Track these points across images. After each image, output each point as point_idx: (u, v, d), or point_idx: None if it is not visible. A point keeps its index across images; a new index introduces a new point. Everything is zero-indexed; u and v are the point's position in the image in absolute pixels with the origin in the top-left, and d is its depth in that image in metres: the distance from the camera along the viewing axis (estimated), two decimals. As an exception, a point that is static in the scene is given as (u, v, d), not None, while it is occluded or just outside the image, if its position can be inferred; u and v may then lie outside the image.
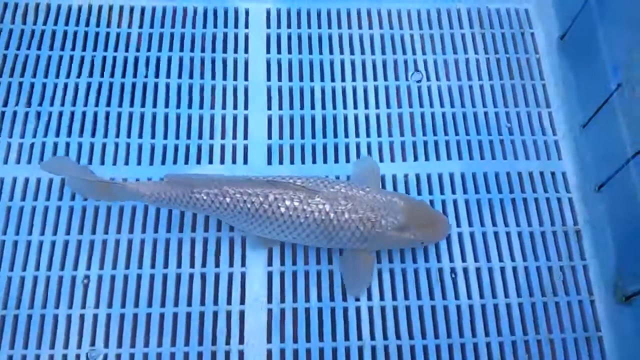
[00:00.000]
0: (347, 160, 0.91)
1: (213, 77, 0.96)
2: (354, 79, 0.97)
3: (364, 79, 0.97)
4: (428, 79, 0.98)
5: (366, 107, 0.95)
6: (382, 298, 0.83)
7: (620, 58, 0.85)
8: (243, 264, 0.84)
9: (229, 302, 0.82)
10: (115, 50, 0.97)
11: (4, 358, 0.78)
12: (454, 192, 0.90)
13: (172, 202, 0.78)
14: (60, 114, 0.92)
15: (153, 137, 0.91)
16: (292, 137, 0.92)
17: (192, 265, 0.83)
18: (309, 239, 0.79)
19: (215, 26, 1.00)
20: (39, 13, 0.99)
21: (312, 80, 0.96)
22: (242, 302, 0.82)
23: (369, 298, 0.82)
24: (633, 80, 0.83)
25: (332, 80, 0.97)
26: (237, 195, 0.77)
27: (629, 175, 0.82)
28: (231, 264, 0.84)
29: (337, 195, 0.78)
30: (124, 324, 0.80)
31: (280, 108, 0.94)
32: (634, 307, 0.82)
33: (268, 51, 0.98)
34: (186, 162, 0.90)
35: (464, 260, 0.86)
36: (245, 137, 0.92)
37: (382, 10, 1.03)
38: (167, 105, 0.93)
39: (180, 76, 0.95)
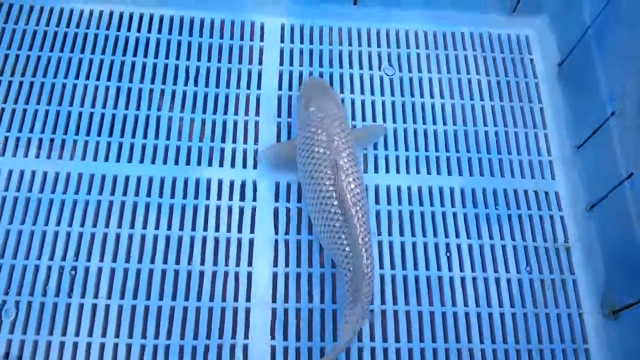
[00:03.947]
0: (354, 170, 0.95)
1: (228, 86, 1.00)
2: (362, 93, 1.02)
3: (372, 94, 1.02)
4: (432, 97, 1.03)
5: (373, 119, 0.99)
6: (382, 302, 0.87)
7: (615, 86, 0.90)
8: (250, 264, 0.88)
9: (235, 300, 0.85)
10: (134, 55, 1.01)
11: (16, 344, 0.80)
12: (453, 205, 0.94)
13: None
14: (91, 114, 0.96)
15: (168, 138, 0.95)
16: (301, 144, 0.97)
17: (202, 263, 0.87)
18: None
19: (232, 38, 1.04)
20: (62, 18, 1.03)
21: (321, 92, 1.01)
22: (248, 299, 0.85)
23: (371, 302, 0.86)
24: (626, 109, 0.88)
25: (342, 92, 1.01)
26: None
27: (620, 196, 0.87)
28: (238, 264, 0.87)
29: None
30: (135, 315, 0.83)
31: (290, 116, 0.99)
32: (620, 321, 0.86)
33: (281, 63, 1.03)
34: (199, 164, 0.93)
35: (461, 269, 0.90)
36: (256, 142, 0.96)
37: (390, 30, 1.08)
38: (182, 110, 0.97)
39: (196, 84, 1.00)
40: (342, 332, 0.78)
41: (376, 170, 0.96)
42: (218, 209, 0.91)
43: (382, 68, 1.04)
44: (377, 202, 0.93)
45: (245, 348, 0.82)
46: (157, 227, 0.88)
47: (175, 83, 0.99)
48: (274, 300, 0.86)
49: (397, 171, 0.96)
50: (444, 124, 1.01)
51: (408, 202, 0.94)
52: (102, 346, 0.81)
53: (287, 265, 0.88)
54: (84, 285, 0.84)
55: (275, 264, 0.88)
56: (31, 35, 1.01)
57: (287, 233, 0.90)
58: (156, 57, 1.01)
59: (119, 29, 1.03)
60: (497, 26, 1.10)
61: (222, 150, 0.95)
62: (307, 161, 0.84)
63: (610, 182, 0.89)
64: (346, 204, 0.79)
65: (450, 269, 0.90)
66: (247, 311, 0.85)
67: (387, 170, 0.96)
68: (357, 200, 0.81)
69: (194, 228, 0.89)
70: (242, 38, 1.05)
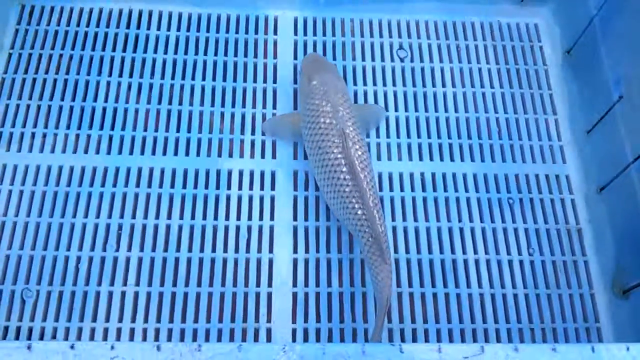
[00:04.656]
0: (369, 158, 0.98)
1: (245, 80, 1.03)
2: (374, 84, 1.04)
3: (384, 84, 1.05)
4: (444, 86, 1.05)
5: (386, 109, 1.02)
6: (398, 285, 0.90)
7: (621, 71, 0.93)
8: (271, 251, 0.91)
9: (257, 285, 0.89)
10: (155, 52, 1.04)
11: (49, 330, 0.84)
12: (467, 190, 0.97)
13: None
14: (114, 109, 0.99)
15: (189, 131, 0.98)
16: (317, 135, 1.00)
17: (225, 251, 0.90)
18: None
19: (247, 33, 1.07)
20: (84, 15, 1.07)
21: (335, 84, 1.04)
22: (270, 285, 0.89)
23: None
24: (632, 93, 0.90)
25: (355, 84, 1.04)
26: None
27: (628, 179, 0.89)
28: (260, 250, 0.91)
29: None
30: (163, 301, 0.86)
31: (306, 109, 1.02)
32: (630, 300, 0.89)
33: (295, 57, 1.06)
34: (219, 155, 0.97)
35: (475, 252, 0.93)
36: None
37: (401, 21, 1.10)
38: (202, 104, 1.01)
39: (214, 78, 1.03)
40: (380, 294, 0.80)
41: (389, 158, 0.99)
42: (239, 198, 0.94)
43: (395, 51, 1.07)
44: (391, 189, 0.96)
45: (268, 331, 0.86)
46: (181, 217, 0.92)
47: (193, 78, 1.03)
48: (294, 285, 0.89)
49: (410, 158, 0.99)
50: (456, 111, 1.03)
51: (422, 189, 0.97)
52: (132, 331, 0.85)
53: (307, 251, 0.91)
54: (112, 274, 0.88)
55: (295, 251, 0.91)
56: (53, 34, 1.04)
57: (306, 220, 0.93)
58: (175, 53, 1.04)
59: (138, 27, 1.06)
60: (506, 15, 1.12)
61: (242, 142, 0.98)
62: (313, 132, 0.87)
63: (619, 164, 0.91)
64: (355, 168, 0.82)
65: (464, 252, 0.93)
66: (269, 296, 0.88)
67: (400, 158, 0.99)
68: (364, 166, 0.84)
69: (216, 217, 0.92)
70: (256, 32, 1.08)
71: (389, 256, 0.81)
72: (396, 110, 1.03)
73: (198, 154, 0.97)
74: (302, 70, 0.95)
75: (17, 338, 0.83)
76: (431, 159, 0.99)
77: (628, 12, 0.92)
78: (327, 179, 0.85)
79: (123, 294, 0.87)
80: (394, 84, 1.05)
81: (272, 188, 0.95)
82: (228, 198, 0.94)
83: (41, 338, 0.83)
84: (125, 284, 0.87)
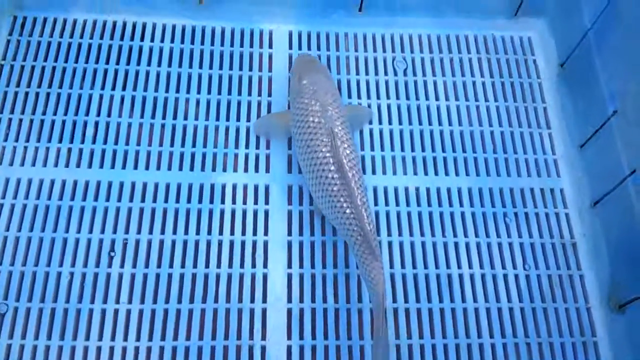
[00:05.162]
0: (363, 172, 0.98)
1: (239, 93, 1.03)
2: (369, 97, 1.04)
3: (378, 98, 1.04)
4: (437, 100, 1.05)
5: (380, 122, 1.02)
6: (394, 300, 0.89)
7: (615, 85, 0.93)
8: (265, 266, 0.90)
9: (252, 301, 0.88)
10: (149, 64, 1.03)
11: (42, 349, 0.83)
12: (461, 205, 0.97)
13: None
14: (107, 123, 0.98)
15: (182, 145, 0.97)
16: (311, 149, 0.99)
17: (219, 266, 0.89)
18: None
19: (241, 46, 1.07)
20: (77, 27, 1.06)
21: (330, 97, 1.03)
22: (264, 300, 0.88)
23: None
24: (627, 107, 0.90)
25: (349, 97, 1.04)
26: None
27: (624, 192, 0.90)
28: (254, 266, 0.90)
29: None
30: (155, 318, 0.85)
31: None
32: (627, 314, 0.89)
33: (290, 70, 1.06)
34: (213, 169, 0.96)
35: (470, 267, 0.92)
36: (268, 147, 0.99)
37: (395, 35, 1.11)
38: (196, 118, 1.00)
39: (209, 92, 1.02)
40: (374, 292, 0.80)
41: (384, 172, 0.98)
42: (233, 212, 0.93)
43: (394, 62, 1.07)
44: (386, 204, 0.96)
45: (263, 348, 0.85)
46: (174, 232, 0.91)
47: (187, 91, 1.02)
48: (289, 300, 0.88)
49: (405, 172, 0.99)
50: (450, 125, 1.03)
51: (417, 203, 0.96)
52: (124, 349, 0.84)
53: (301, 266, 0.90)
54: (105, 291, 0.87)
55: (290, 266, 0.90)
56: (46, 45, 1.04)
57: (300, 234, 0.92)
58: (169, 65, 1.04)
59: (132, 39, 1.05)
60: (500, 29, 1.12)
61: (236, 156, 0.98)
62: (302, 131, 0.87)
63: (613, 178, 0.91)
64: (344, 167, 0.82)
65: (459, 267, 0.92)
66: (264, 312, 0.87)
67: (395, 172, 0.98)
68: (352, 165, 0.83)
69: (210, 232, 0.91)
70: (251, 45, 1.07)
71: (380, 253, 0.81)
72: (390, 123, 1.02)
73: (192, 169, 0.96)
74: (293, 70, 0.96)
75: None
76: (426, 173, 0.99)
77: (623, 25, 0.92)
78: (315, 178, 0.85)
79: (116, 311, 0.85)
80: (388, 97, 1.05)
81: (266, 202, 0.95)
82: (222, 213, 0.93)
83: (20, 356, 0.82)
84: (117, 301, 0.86)
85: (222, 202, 0.94)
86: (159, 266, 0.88)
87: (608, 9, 0.95)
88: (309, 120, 0.87)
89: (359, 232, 0.80)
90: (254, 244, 0.91)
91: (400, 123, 1.03)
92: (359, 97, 1.04)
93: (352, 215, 0.81)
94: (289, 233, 0.92)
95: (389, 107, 1.04)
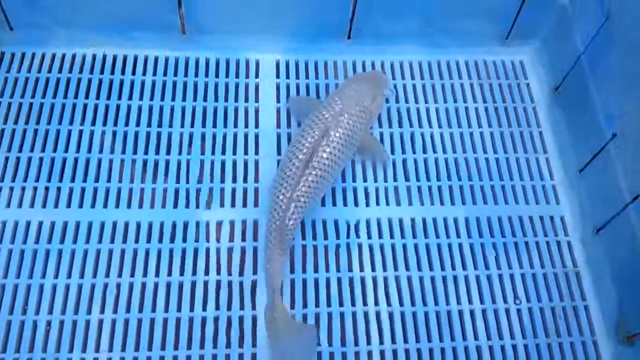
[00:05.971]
0: (356, 204, 0.94)
1: (225, 125, 0.99)
2: (359, 126, 1.01)
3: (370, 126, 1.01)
4: (430, 126, 1.02)
5: (372, 152, 0.99)
6: (393, 341, 0.84)
7: (612, 108, 0.90)
8: (254, 308, 0.85)
9: (240, 346, 0.83)
10: (130, 98, 1.00)
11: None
12: (458, 236, 0.93)
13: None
14: (87, 160, 0.94)
15: (165, 182, 0.93)
16: (301, 182, 0.95)
17: (205, 309, 0.84)
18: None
19: (227, 76, 1.04)
20: (56, 61, 1.02)
21: (319, 127, 1.00)
22: (254, 344, 0.83)
23: (381, 342, 0.84)
24: (625, 130, 0.87)
25: (339, 127, 1.00)
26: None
27: (626, 218, 0.86)
28: (242, 307, 0.85)
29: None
30: (138, 367, 0.80)
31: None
32: (636, 347, 0.84)
33: (278, 100, 1.02)
34: (197, 206, 0.92)
35: (470, 302, 0.88)
36: (256, 181, 0.95)
37: (385, 62, 1.08)
38: (180, 153, 0.96)
39: (192, 125, 0.99)
40: (269, 287, 0.83)
41: (378, 204, 0.94)
42: (218, 251, 0.89)
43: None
44: (380, 236, 0.92)
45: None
46: (157, 275, 0.86)
47: (170, 125, 0.98)
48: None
49: (398, 203, 0.95)
50: (444, 152, 1.00)
51: (412, 235, 0.92)
52: (106, 401, 0.78)
53: (292, 307, 0.86)
54: (84, 339, 0.81)
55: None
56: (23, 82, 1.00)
57: (292, 272, 0.88)
58: (152, 99, 1.00)
59: (112, 72, 1.02)
60: (491, 53, 1.10)
61: (222, 191, 0.93)
62: (310, 117, 0.89)
63: (615, 203, 0.88)
64: (310, 162, 0.84)
65: (459, 302, 0.88)
66: (254, 357, 0.82)
67: (388, 203, 0.95)
68: (320, 166, 0.85)
69: (194, 272, 0.87)
70: (237, 76, 1.04)
71: (288, 247, 0.83)
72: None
73: (175, 206, 0.92)
74: (354, 76, 1.00)
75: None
76: (421, 203, 0.95)
77: (617, 48, 0.90)
78: (285, 156, 0.87)
79: (95, 360, 0.80)
80: (380, 125, 1.01)
81: (254, 239, 0.90)
82: (207, 251, 0.89)
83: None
84: (97, 349, 0.81)
85: (207, 239, 0.89)
86: (140, 311, 0.84)
87: (601, 32, 0.92)
88: (322, 112, 0.89)
89: (278, 219, 0.82)
90: (241, 284, 0.87)
91: (392, 152, 0.99)
92: (348, 126, 1.00)
93: (282, 203, 0.83)
94: (279, 270, 0.88)
95: (381, 135, 1.00)
